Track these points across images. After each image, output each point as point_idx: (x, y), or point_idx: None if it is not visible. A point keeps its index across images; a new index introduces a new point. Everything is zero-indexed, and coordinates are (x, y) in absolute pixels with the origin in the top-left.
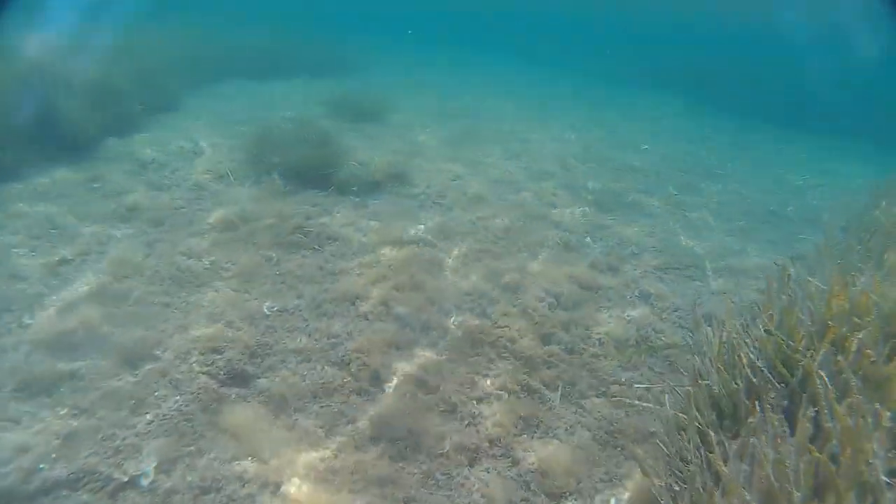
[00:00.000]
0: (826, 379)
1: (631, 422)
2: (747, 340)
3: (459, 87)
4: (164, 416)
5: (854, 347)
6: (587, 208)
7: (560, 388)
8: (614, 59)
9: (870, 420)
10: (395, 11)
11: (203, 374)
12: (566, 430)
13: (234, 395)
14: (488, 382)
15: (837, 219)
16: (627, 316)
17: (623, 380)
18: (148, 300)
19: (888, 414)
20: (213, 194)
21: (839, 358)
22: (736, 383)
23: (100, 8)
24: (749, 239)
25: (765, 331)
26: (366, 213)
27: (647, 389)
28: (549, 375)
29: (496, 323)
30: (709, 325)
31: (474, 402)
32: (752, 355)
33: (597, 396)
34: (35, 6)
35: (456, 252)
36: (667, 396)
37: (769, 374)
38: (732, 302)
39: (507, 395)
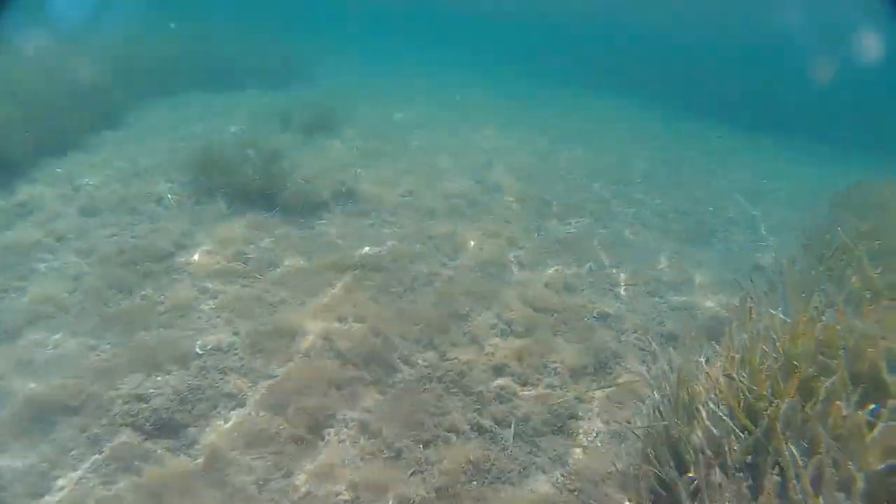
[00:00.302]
0: (793, 450)
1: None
2: (706, 385)
3: (420, 95)
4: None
5: (822, 395)
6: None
7: (513, 426)
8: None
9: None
10: (363, 11)
11: (126, 426)
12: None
13: (159, 450)
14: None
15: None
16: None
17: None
18: (70, 345)
19: (861, 475)
20: (149, 219)
21: (806, 408)
22: (696, 434)
23: (36, 15)
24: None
25: (725, 375)
26: (311, 235)
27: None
28: (500, 411)
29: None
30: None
31: (420, 448)
32: (711, 405)
33: (553, 433)
34: None
35: (408, 277)
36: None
37: (731, 424)
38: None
39: (455, 437)
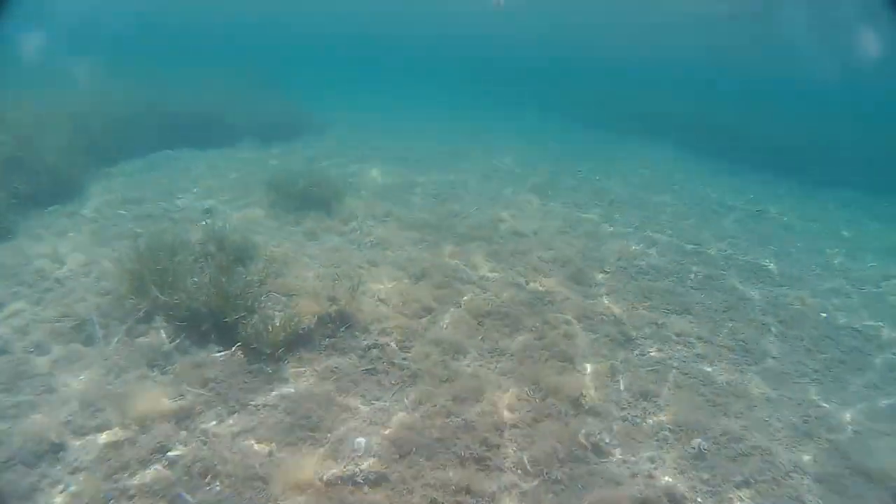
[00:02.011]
0: None
1: None
2: None
3: (432, 152)
4: None
5: None
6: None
7: None
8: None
9: None
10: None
11: None
12: None
13: None
14: None
15: None
16: None
17: None
18: None
19: None
20: (58, 362)
21: None
22: None
23: None
24: None
25: None
26: (278, 405)
27: None
28: None
29: None
30: None
31: None
32: None
33: None
34: None
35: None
36: None
37: None
38: None
39: None
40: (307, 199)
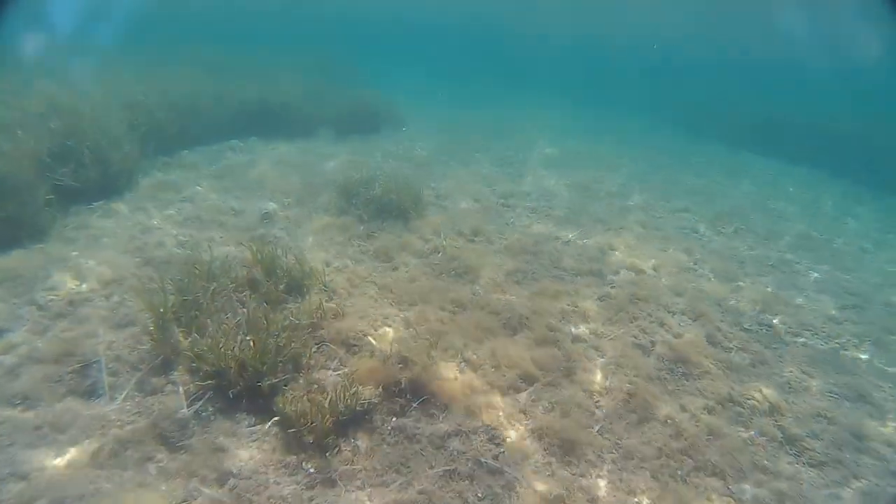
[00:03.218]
0: None
1: None
2: None
3: (528, 154)
4: None
5: None
6: None
7: None
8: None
9: None
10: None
11: None
12: None
13: None
14: None
15: None
16: None
17: None
18: None
19: None
20: (41, 428)
21: None
22: None
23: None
24: None
25: None
26: None
27: None
28: None
29: None
30: None
31: None
32: None
33: None
34: None
35: None
36: None
37: None
38: None
39: None
40: (382, 208)
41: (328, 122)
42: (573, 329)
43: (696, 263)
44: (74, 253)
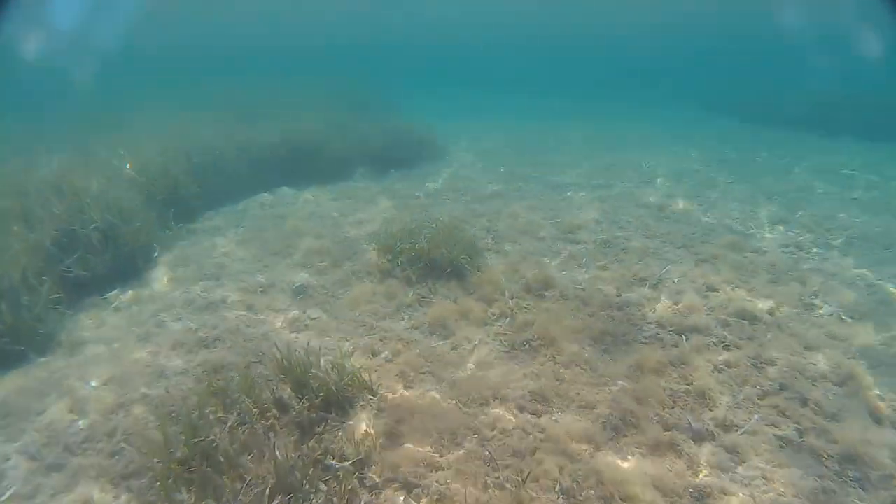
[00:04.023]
0: None
1: None
2: None
3: (582, 173)
4: None
5: None
6: None
7: None
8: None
9: None
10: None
11: None
12: None
13: None
14: None
15: None
16: None
17: None
18: None
19: None
20: None
21: None
22: None
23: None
24: None
25: None
26: None
27: None
28: None
29: None
30: None
31: None
32: None
33: None
34: None
35: None
36: None
37: None
38: None
39: None
40: (432, 265)
41: (363, 159)
42: (693, 422)
43: (817, 296)
44: (77, 371)
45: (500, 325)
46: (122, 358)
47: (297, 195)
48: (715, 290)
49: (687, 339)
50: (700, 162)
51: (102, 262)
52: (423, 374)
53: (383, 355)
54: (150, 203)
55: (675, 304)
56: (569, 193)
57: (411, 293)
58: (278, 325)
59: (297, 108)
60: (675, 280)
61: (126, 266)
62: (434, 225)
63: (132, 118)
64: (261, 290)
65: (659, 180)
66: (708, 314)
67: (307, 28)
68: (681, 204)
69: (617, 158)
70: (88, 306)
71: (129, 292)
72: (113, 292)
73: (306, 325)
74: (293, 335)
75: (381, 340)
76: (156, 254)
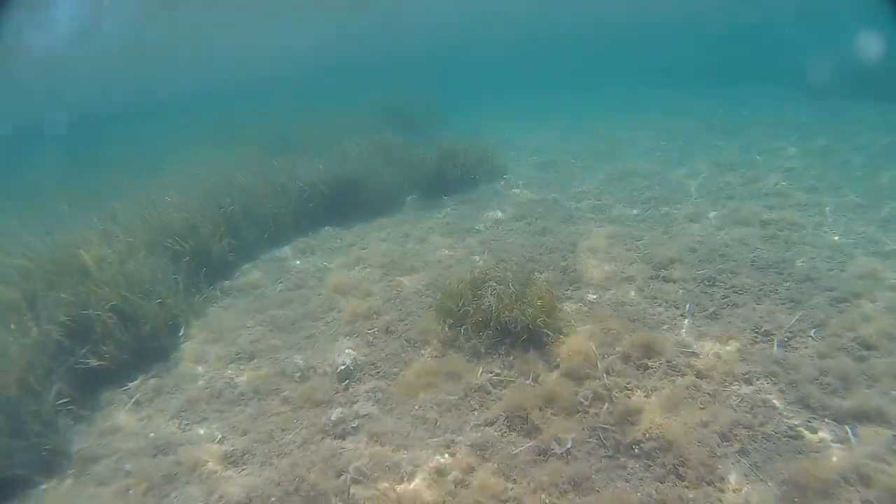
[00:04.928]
0: None
1: None
2: None
3: (654, 173)
4: None
5: None
6: None
7: None
8: None
9: None
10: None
11: None
12: None
13: None
14: None
15: None
16: None
17: None
18: None
19: None
20: None
21: None
22: None
23: None
24: None
25: None
26: None
27: None
28: None
29: None
30: None
31: None
32: None
33: None
34: None
35: None
36: None
37: None
38: None
39: None
40: (503, 329)
41: (413, 185)
42: None
43: None
44: (87, 502)
45: (597, 413)
46: (133, 484)
47: (341, 236)
48: (874, 347)
49: (856, 438)
50: (820, 155)
51: (120, 347)
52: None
53: (451, 477)
54: (177, 265)
55: (823, 374)
56: (656, 212)
57: (480, 370)
58: (321, 424)
59: (337, 132)
60: (815, 336)
61: (149, 347)
62: (501, 272)
63: (159, 164)
64: (298, 376)
65: (773, 177)
66: (882, 397)
67: (343, 42)
68: (791, 216)
69: (705, 154)
70: (105, 403)
71: (152, 380)
72: (134, 383)
73: (354, 429)
74: (337, 443)
75: (447, 448)
76: (181, 332)
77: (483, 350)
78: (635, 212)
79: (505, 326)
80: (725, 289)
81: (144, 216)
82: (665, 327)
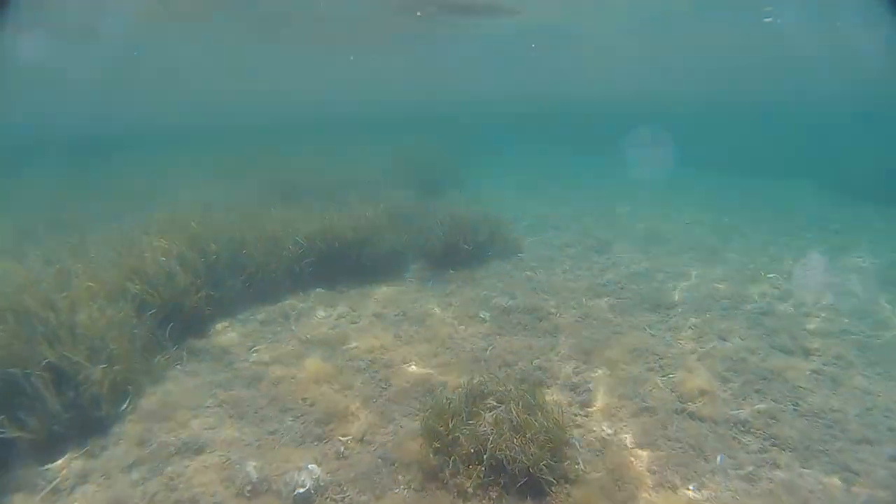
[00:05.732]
0: None
1: None
2: None
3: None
4: None
5: None
6: None
7: None
8: None
9: None
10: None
11: None
12: None
13: None
14: None
15: None
16: None
17: None
18: None
19: None
20: None
21: None
22: None
23: None
24: None
25: None
26: None
27: None
28: None
29: None
30: None
31: None
32: None
33: None
34: None
35: None
36: None
37: None
38: None
39: None
40: (501, 467)
41: (420, 253)
42: None
43: None
44: None
45: None
46: None
47: (333, 303)
48: None
49: None
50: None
51: (49, 416)
52: None
53: None
54: (140, 317)
55: None
56: (674, 319)
57: None
58: None
59: (347, 185)
60: None
61: (88, 417)
62: (503, 384)
63: (158, 192)
64: (248, 490)
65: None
66: None
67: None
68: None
69: (734, 254)
70: (15, 486)
71: (79, 462)
72: (57, 462)
73: None
74: None
75: None
76: (126, 404)
77: (471, 490)
78: (655, 318)
79: (500, 464)
80: (765, 440)
81: (116, 253)
82: (692, 486)
